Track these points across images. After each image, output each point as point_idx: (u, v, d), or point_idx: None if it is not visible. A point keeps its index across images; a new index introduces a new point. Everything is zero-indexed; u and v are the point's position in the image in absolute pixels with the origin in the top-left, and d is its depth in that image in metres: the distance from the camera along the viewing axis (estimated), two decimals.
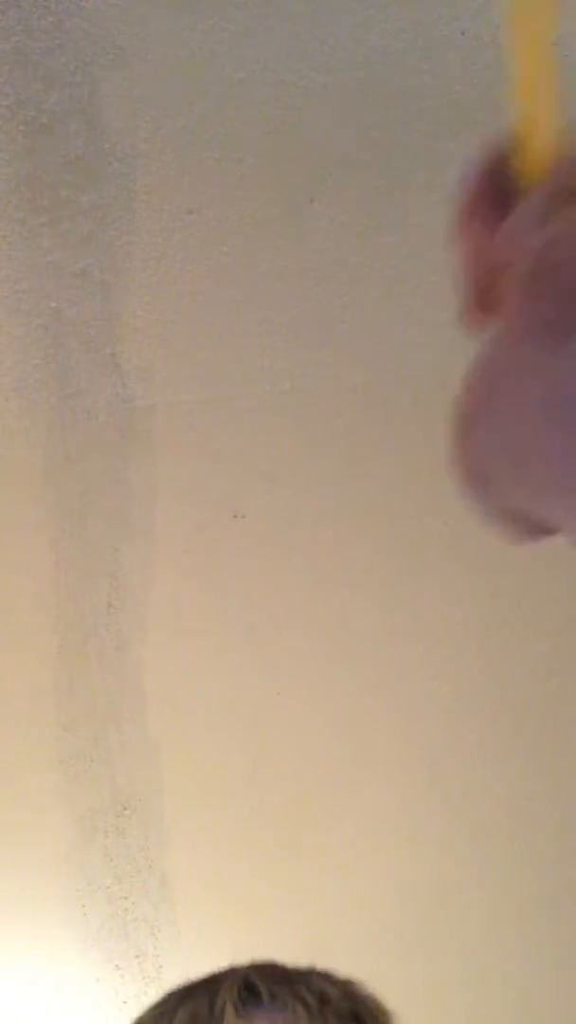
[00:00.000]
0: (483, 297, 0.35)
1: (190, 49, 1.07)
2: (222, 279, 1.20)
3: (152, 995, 0.69)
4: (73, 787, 1.52)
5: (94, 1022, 1.68)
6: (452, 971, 1.52)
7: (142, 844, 1.53)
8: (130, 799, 1.54)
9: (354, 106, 1.11)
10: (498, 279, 0.34)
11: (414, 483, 1.34)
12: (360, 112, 1.11)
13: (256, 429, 1.30)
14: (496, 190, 0.35)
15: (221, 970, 0.59)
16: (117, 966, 1.63)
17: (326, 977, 0.59)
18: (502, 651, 1.46)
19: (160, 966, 1.62)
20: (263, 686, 1.47)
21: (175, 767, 1.51)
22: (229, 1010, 0.54)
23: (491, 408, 0.33)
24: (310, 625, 1.43)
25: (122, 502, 1.33)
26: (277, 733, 1.49)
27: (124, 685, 1.45)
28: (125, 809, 1.54)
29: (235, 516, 1.35)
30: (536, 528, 0.35)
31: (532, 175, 0.35)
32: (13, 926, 1.67)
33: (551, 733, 1.51)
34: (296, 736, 1.50)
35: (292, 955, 0.71)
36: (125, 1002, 1.63)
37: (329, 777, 1.49)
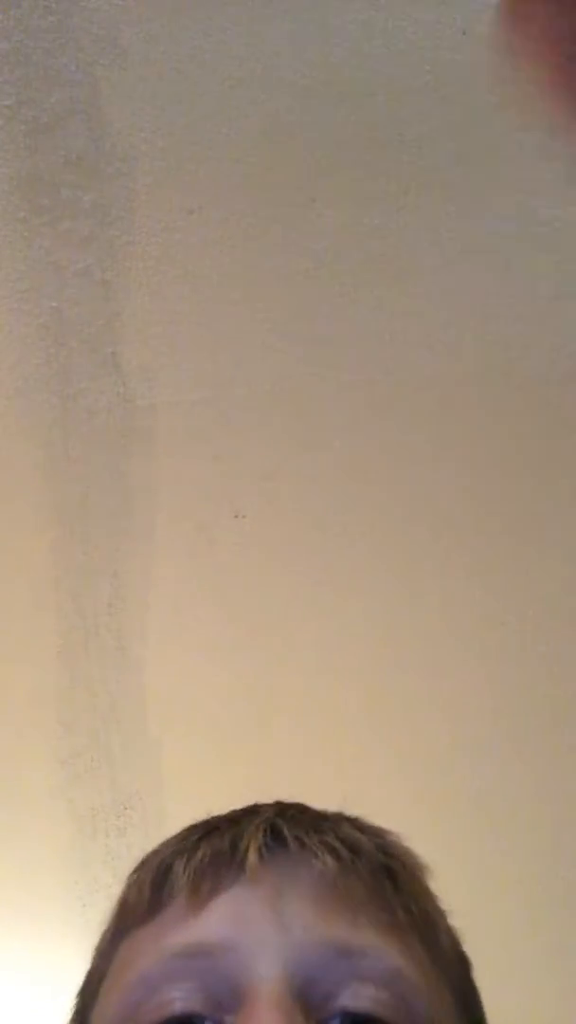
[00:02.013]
0: None
1: (190, 49, 1.07)
2: (222, 279, 1.20)
3: None
4: (74, 786, 1.52)
5: None
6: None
7: (143, 843, 1.53)
8: (131, 798, 1.54)
9: (354, 106, 1.11)
10: None
11: (415, 483, 1.34)
12: (360, 112, 1.11)
13: (256, 429, 1.30)
14: None
15: (245, 808, 0.56)
16: None
17: (357, 825, 0.55)
18: (502, 651, 1.46)
19: None
20: (263, 686, 1.47)
21: (176, 766, 1.51)
22: (252, 854, 0.51)
23: None
24: (310, 625, 1.43)
25: (122, 502, 1.33)
26: (278, 733, 1.49)
27: (124, 685, 1.45)
28: (126, 808, 1.54)
29: (235, 516, 1.35)
30: None
31: None
32: (13, 926, 1.67)
33: (551, 735, 1.51)
34: (296, 736, 1.50)
35: None
36: None
37: (330, 777, 1.49)
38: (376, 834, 0.56)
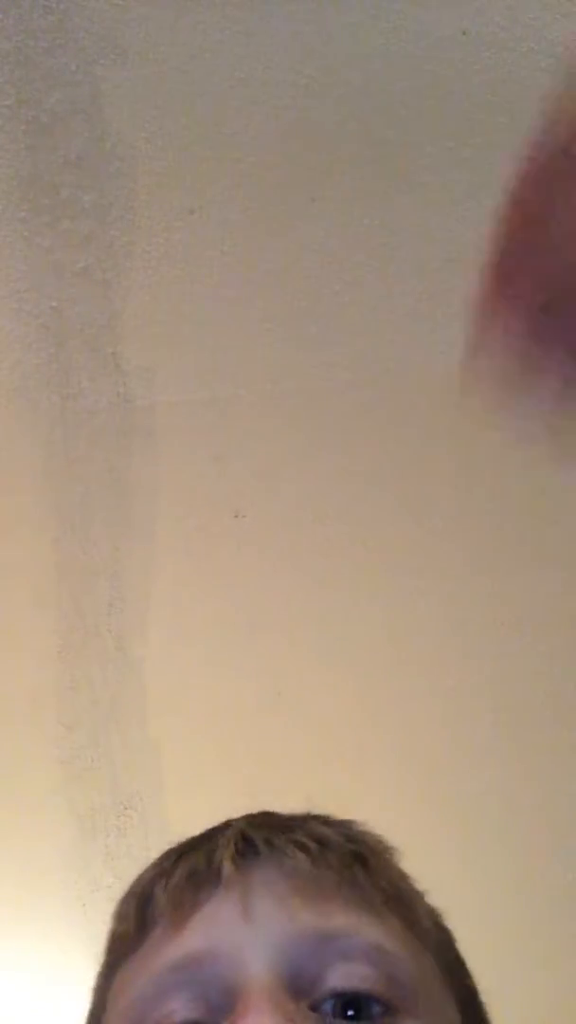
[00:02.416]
0: None
1: (190, 49, 1.07)
2: (222, 279, 1.20)
3: None
4: (74, 787, 1.52)
5: None
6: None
7: (143, 843, 1.53)
8: (131, 798, 1.54)
9: (354, 106, 1.11)
10: None
11: (414, 483, 1.34)
12: (360, 112, 1.11)
13: (256, 429, 1.30)
14: None
15: (216, 826, 0.58)
16: None
17: (324, 821, 0.58)
18: (502, 651, 1.46)
19: None
20: (263, 686, 1.47)
21: (175, 767, 1.51)
22: (227, 864, 0.53)
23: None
24: (310, 625, 1.43)
25: (122, 502, 1.33)
26: (277, 733, 1.49)
27: (124, 685, 1.45)
28: (126, 808, 1.54)
29: (235, 516, 1.35)
30: None
31: None
32: (14, 926, 1.67)
33: (551, 735, 1.51)
34: (296, 736, 1.50)
35: None
36: None
37: (329, 778, 1.49)
38: (343, 825, 0.57)
